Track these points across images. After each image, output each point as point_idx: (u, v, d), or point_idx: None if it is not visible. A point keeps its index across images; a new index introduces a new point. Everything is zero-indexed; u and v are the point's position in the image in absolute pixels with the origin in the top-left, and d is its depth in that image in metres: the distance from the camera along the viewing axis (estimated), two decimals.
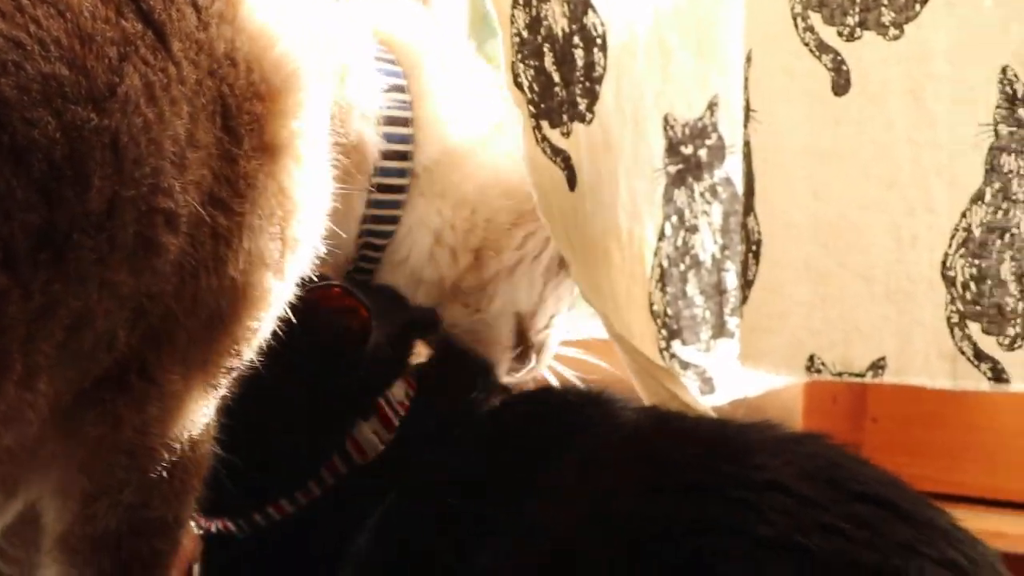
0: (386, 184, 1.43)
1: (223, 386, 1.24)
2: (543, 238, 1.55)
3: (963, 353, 1.41)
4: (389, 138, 1.42)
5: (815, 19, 1.41)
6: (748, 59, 1.46)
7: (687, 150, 1.59)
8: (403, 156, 1.43)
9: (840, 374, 1.44)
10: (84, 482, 1.17)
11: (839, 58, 1.40)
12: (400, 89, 1.43)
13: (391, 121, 1.43)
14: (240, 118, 1.18)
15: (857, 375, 1.44)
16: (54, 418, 1.13)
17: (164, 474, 1.19)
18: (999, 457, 1.71)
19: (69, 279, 1.05)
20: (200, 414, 1.22)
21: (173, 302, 1.15)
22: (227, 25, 1.18)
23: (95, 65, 1.06)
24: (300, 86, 1.22)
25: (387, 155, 1.42)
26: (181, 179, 1.12)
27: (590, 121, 1.53)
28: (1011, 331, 1.39)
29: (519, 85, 1.49)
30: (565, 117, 1.52)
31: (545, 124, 1.51)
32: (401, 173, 1.43)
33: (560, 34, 1.51)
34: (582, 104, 1.53)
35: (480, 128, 1.53)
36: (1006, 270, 1.39)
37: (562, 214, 1.52)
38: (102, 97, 1.06)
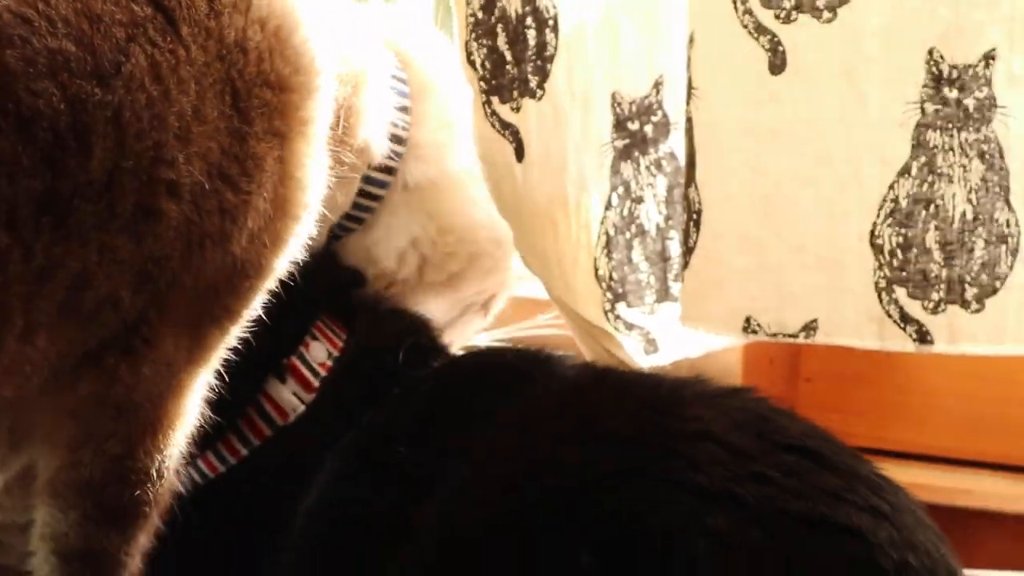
0: (367, 191, 1.47)
1: (211, 355, 1.29)
2: (502, 292, 1.61)
3: (890, 316, 1.47)
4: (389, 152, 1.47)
5: (753, 2, 1.45)
6: (691, 40, 1.51)
7: (633, 126, 1.64)
8: (390, 171, 1.47)
9: (775, 335, 1.50)
10: (72, 430, 1.22)
11: (776, 39, 1.45)
12: (404, 110, 1.47)
13: (392, 138, 1.47)
14: (250, 101, 1.22)
15: (791, 336, 1.50)
16: (54, 374, 1.17)
17: (148, 428, 1.24)
18: (924, 415, 1.78)
19: (70, 242, 1.10)
20: (186, 376, 1.27)
21: (179, 268, 1.19)
22: (239, 15, 1.21)
23: (102, 43, 1.10)
24: (311, 82, 1.26)
25: (377, 167, 1.46)
26: (185, 151, 1.16)
27: (540, 97, 1.57)
28: (935, 296, 1.45)
29: (472, 63, 1.55)
30: (515, 93, 1.57)
31: (495, 100, 1.57)
32: (383, 185, 1.47)
33: (513, 15, 1.56)
34: (533, 81, 1.57)
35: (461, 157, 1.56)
36: (931, 239, 1.45)
37: (509, 183, 1.58)
38: (107, 74, 1.10)
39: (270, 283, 1.31)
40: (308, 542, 1.34)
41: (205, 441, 1.36)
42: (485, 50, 1.56)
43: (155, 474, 1.26)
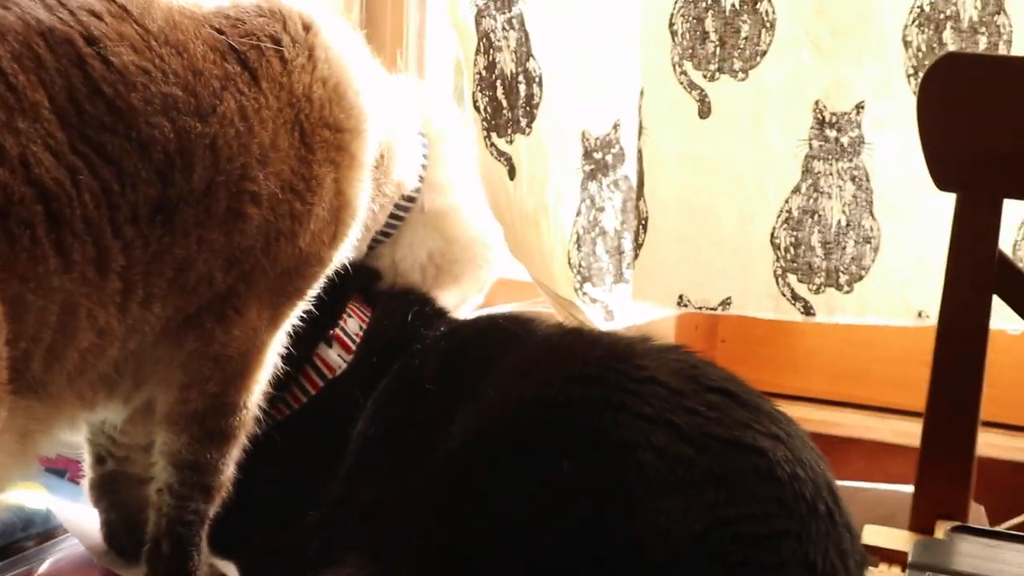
0: (396, 213, 1.45)
1: (283, 320, 1.28)
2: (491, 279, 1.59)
3: (784, 295, 1.51)
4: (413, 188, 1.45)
5: (688, 66, 1.47)
6: (641, 93, 1.51)
7: (598, 156, 1.64)
8: (412, 200, 1.45)
9: (700, 308, 1.53)
10: (182, 376, 1.21)
11: (704, 93, 1.47)
12: (424, 156, 1.45)
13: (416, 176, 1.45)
14: (314, 138, 1.21)
15: (712, 308, 1.53)
16: (165, 333, 1.16)
17: (238, 374, 1.24)
18: (808, 367, 1.79)
19: (175, 235, 1.09)
20: (265, 336, 1.26)
21: (261, 257, 1.19)
22: (306, 74, 1.21)
23: (202, 91, 1.10)
24: (359, 127, 1.25)
25: (405, 197, 1.44)
26: (263, 171, 1.16)
27: (529, 134, 1.57)
28: (817, 281, 1.49)
29: (477, 108, 1.54)
30: (509, 131, 1.56)
31: (494, 135, 1.55)
32: (407, 209, 1.45)
33: (509, 74, 1.55)
34: (523, 122, 1.56)
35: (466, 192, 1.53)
36: (815, 239, 1.49)
37: (504, 196, 1.57)
38: (205, 113, 1.10)
39: (327, 271, 1.30)
40: (361, 454, 1.33)
41: (278, 387, 1.34)
42: (487, 99, 1.55)
43: (243, 406, 1.26)
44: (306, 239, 1.22)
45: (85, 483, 1.40)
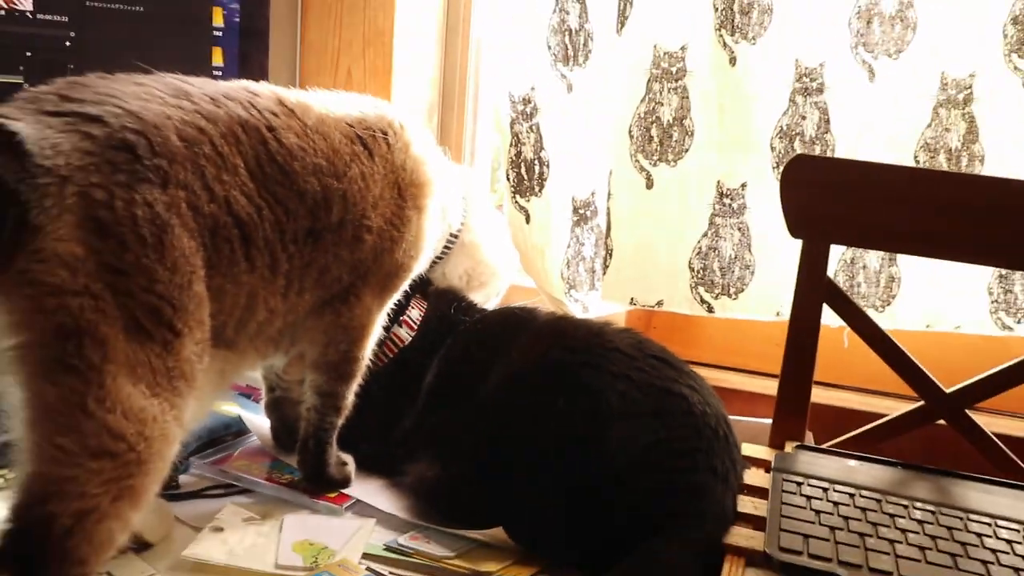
0: (447, 245, 1.48)
1: (386, 303, 1.32)
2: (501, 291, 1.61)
3: (696, 299, 1.57)
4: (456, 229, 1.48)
5: (640, 156, 1.54)
6: (610, 173, 1.58)
7: (581, 211, 1.69)
8: (456, 236, 1.48)
9: (644, 306, 1.59)
10: (323, 338, 1.25)
11: (649, 174, 1.54)
12: (463, 209, 1.49)
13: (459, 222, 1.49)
14: (407, 192, 1.25)
15: (651, 306, 1.59)
16: (311, 311, 1.21)
17: (358, 337, 1.28)
18: (708, 344, 1.82)
19: (319, 251, 1.15)
20: (376, 313, 1.30)
21: (372, 265, 1.24)
22: (401, 153, 1.25)
23: (338, 162, 1.15)
24: (428, 189, 1.29)
25: (451, 234, 1.48)
26: (374, 213, 1.21)
27: (540, 196, 1.63)
28: (716, 291, 1.55)
29: (508, 179, 1.61)
30: (528, 194, 1.62)
31: (518, 196, 1.62)
32: (452, 243, 1.49)
33: (529, 158, 1.62)
34: (536, 189, 1.63)
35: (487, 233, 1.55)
36: (715, 265, 1.55)
37: (522, 234, 1.63)
38: (340, 175, 1.15)
39: (411, 275, 1.35)
40: (429, 396, 1.37)
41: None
42: (515, 174, 1.63)
43: (360, 358, 1.29)
44: (399, 254, 1.26)
45: (262, 402, 1.45)
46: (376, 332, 1.31)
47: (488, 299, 1.59)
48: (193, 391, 0.96)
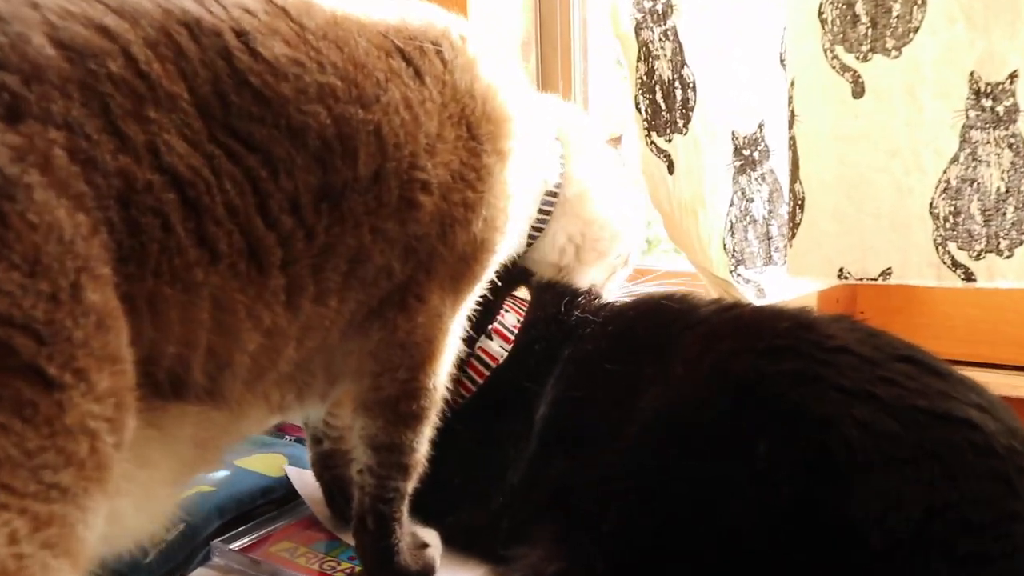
0: (544, 208, 1.10)
1: (464, 303, 0.93)
2: (633, 252, 1.21)
3: (944, 263, 1.02)
4: (555, 184, 1.10)
5: (839, 50, 1.02)
6: (792, 84, 1.07)
7: (746, 153, 1.21)
8: (555, 194, 1.10)
9: (861, 279, 1.05)
10: (372, 365, 0.88)
11: (857, 74, 1.01)
12: (559, 155, 1.10)
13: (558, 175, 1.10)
14: (480, 130, 0.87)
15: (872, 279, 1.05)
16: (352, 327, 0.84)
17: (425, 359, 0.89)
18: (941, 332, 1.31)
19: (346, 224, 0.76)
20: (449, 320, 0.90)
21: (439, 244, 0.85)
22: (467, 73, 0.87)
23: (364, 81, 0.77)
24: (511, 125, 0.91)
25: (548, 192, 1.09)
26: (432, 160, 0.82)
27: (685, 133, 1.16)
28: (977, 247, 1.00)
29: (639, 110, 1.15)
30: (668, 131, 1.16)
31: (654, 134, 1.16)
32: (552, 204, 1.10)
33: (666, 79, 1.15)
34: (680, 123, 1.16)
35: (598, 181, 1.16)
36: (974, 207, 1.00)
37: (664, 188, 1.17)
38: (369, 101, 0.77)
39: (500, 257, 0.95)
40: (545, 437, 0.95)
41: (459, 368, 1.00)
42: (647, 101, 1.16)
43: (432, 388, 0.91)
44: (478, 226, 0.87)
45: (308, 459, 1.09)
46: (452, 349, 0.96)
47: (611, 275, 1.19)
48: (103, 487, 0.61)
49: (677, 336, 0.90)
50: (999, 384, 1.22)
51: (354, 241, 0.78)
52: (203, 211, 0.67)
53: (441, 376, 0.93)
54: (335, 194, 0.76)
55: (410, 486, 0.94)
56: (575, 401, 0.95)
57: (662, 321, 0.96)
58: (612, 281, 1.18)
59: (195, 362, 0.70)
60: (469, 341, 1.01)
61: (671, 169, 1.16)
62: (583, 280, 1.13)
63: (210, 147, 0.67)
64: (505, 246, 0.96)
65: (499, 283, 1.05)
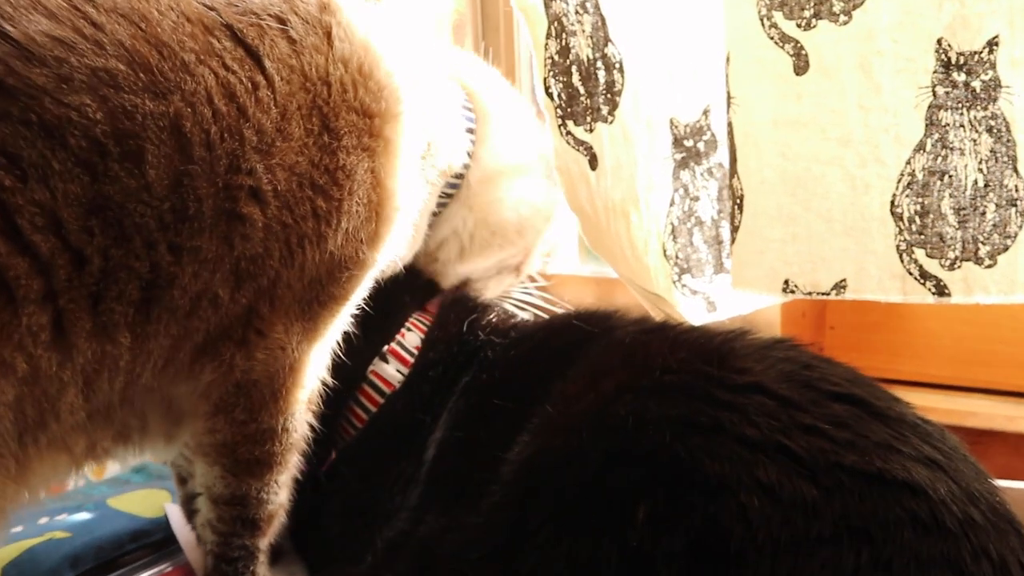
0: (445, 193, 0.94)
1: (324, 333, 0.77)
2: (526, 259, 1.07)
3: (911, 274, 0.83)
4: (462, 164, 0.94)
5: (778, 17, 0.83)
6: (727, 60, 0.90)
7: (689, 143, 1.03)
8: (460, 176, 0.94)
9: (810, 293, 0.86)
10: (205, 406, 0.73)
11: (799, 45, 0.83)
12: (471, 131, 0.94)
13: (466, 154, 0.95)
14: (338, 123, 0.71)
15: (823, 294, 0.86)
16: (172, 365, 0.68)
17: (268, 398, 0.73)
18: (927, 351, 1.14)
19: (131, 244, 0.61)
20: (299, 352, 0.74)
21: (280, 266, 0.69)
22: (320, 55, 0.71)
23: (160, 65, 0.61)
24: (392, 109, 0.75)
25: (454, 175, 0.94)
26: (266, 162, 0.66)
27: (611, 122, 0.98)
28: (951, 254, 0.81)
29: (550, 95, 0.97)
30: (588, 119, 0.98)
31: (570, 123, 0.97)
32: (455, 187, 0.94)
33: (585, 59, 0.97)
34: (604, 110, 0.98)
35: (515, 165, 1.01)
36: (946, 205, 0.81)
37: (584, 186, 0.99)
38: (164, 90, 0.61)
39: (372, 272, 0.79)
40: (428, 483, 0.80)
41: (336, 406, 0.84)
42: (561, 85, 0.97)
43: (281, 431, 0.75)
44: (337, 240, 0.71)
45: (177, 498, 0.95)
46: (308, 381, 0.79)
47: (499, 272, 1.04)
48: None
49: (569, 368, 0.74)
50: (993, 413, 1.05)
51: (142, 264, 0.63)
52: None
53: (294, 415, 0.77)
54: (111, 206, 0.60)
55: (263, 543, 0.79)
56: (458, 443, 0.80)
57: (564, 346, 0.80)
58: (496, 283, 1.02)
59: None
60: (362, 364, 0.86)
61: (593, 164, 0.98)
62: (454, 277, 0.98)
63: None
64: (382, 257, 0.80)
65: (402, 295, 0.90)
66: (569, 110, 0.97)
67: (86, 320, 0.61)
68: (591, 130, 0.98)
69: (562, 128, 0.97)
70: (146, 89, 0.62)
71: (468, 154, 0.94)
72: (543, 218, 1.05)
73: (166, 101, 0.63)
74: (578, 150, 0.98)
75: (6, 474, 0.64)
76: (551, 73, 0.96)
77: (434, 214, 0.94)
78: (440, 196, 0.93)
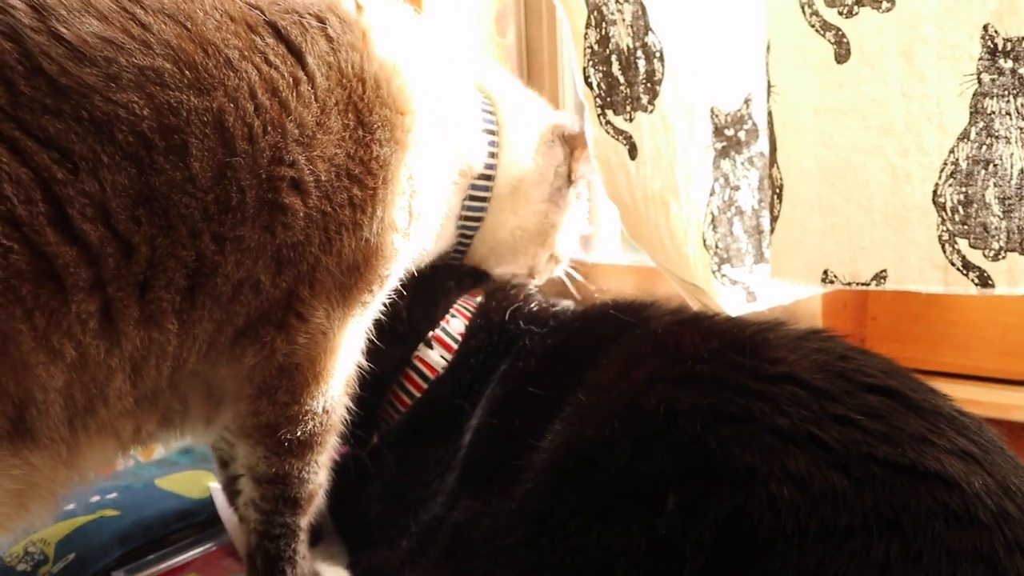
0: (474, 195, 0.97)
1: (358, 317, 0.79)
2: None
3: (953, 264, 0.81)
4: (485, 166, 0.97)
5: (819, 4, 0.82)
6: (768, 48, 0.89)
7: (729, 132, 1.03)
8: (489, 178, 0.97)
9: (849, 284, 0.85)
10: (249, 389, 0.75)
11: (840, 33, 0.82)
12: (493, 132, 0.97)
13: (489, 155, 0.97)
14: (371, 117, 0.73)
15: (863, 284, 0.85)
16: (215, 350, 0.71)
17: (309, 380, 0.75)
18: (969, 342, 1.11)
19: (177, 233, 0.63)
20: (337, 337, 0.77)
21: (319, 252, 0.71)
22: (356, 53, 0.74)
23: (205, 62, 0.64)
24: (413, 108, 0.78)
25: (480, 177, 0.96)
26: (307, 154, 0.68)
27: (651, 111, 0.98)
28: (995, 245, 0.80)
29: (589, 84, 0.97)
30: (628, 108, 0.97)
31: (610, 112, 0.98)
32: (486, 189, 0.97)
33: (625, 48, 0.97)
34: (644, 99, 0.98)
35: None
36: (990, 195, 0.79)
37: (623, 176, 0.99)
38: (208, 86, 0.64)
39: (404, 261, 0.81)
40: (464, 469, 0.82)
41: (380, 391, 0.87)
42: (600, 74, 0.98)
43: (321, 412, 0.77)
44: (373, 228, 0.73)
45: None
46: (346, 366, 0.82)
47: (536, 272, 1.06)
48: None
49: (605, 356, 0.74)
50: None
51: (191, 253, 0.65)
52: None
53: (333, 397, 0.79)
54: (158, 197, 0.63)
55: (304, 521, 0.82)
56: (493, 429, 0.81)
57: (602, 336, 0.81)
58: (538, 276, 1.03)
59: None
60: (406, 350, 0.88)
61: (633, 153, 0.98)
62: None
63: None
64: (413, 248, 0.83)
65: (446, 280, 0.91)
66: (608, 99, 0.97)
67: (134, 308, 0.64)
68: (631, 119, 0.98)
69: (601, 117, 0.97)
70: (191, 86, 0.64)
71: (491, 155, 0.96)
72: (576, 209, 1.06)
73: (210, 97, 0.65)
74: (617, 139, 0.98)
75: (57, 459, 0.67)
76: (590, 63, 0.96)
77: (471, 219, 0.97)
78: (469, 199, 0.96)
